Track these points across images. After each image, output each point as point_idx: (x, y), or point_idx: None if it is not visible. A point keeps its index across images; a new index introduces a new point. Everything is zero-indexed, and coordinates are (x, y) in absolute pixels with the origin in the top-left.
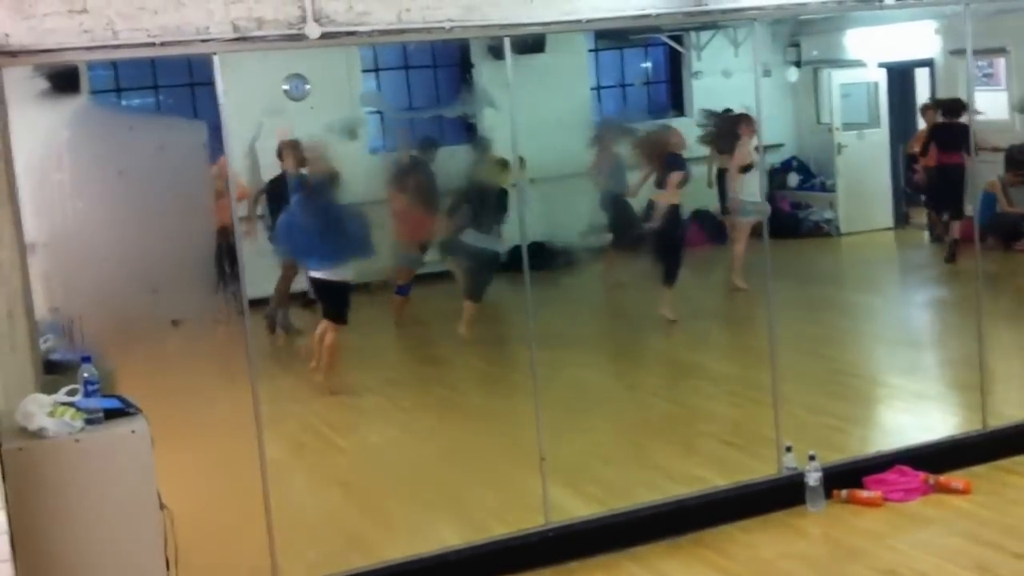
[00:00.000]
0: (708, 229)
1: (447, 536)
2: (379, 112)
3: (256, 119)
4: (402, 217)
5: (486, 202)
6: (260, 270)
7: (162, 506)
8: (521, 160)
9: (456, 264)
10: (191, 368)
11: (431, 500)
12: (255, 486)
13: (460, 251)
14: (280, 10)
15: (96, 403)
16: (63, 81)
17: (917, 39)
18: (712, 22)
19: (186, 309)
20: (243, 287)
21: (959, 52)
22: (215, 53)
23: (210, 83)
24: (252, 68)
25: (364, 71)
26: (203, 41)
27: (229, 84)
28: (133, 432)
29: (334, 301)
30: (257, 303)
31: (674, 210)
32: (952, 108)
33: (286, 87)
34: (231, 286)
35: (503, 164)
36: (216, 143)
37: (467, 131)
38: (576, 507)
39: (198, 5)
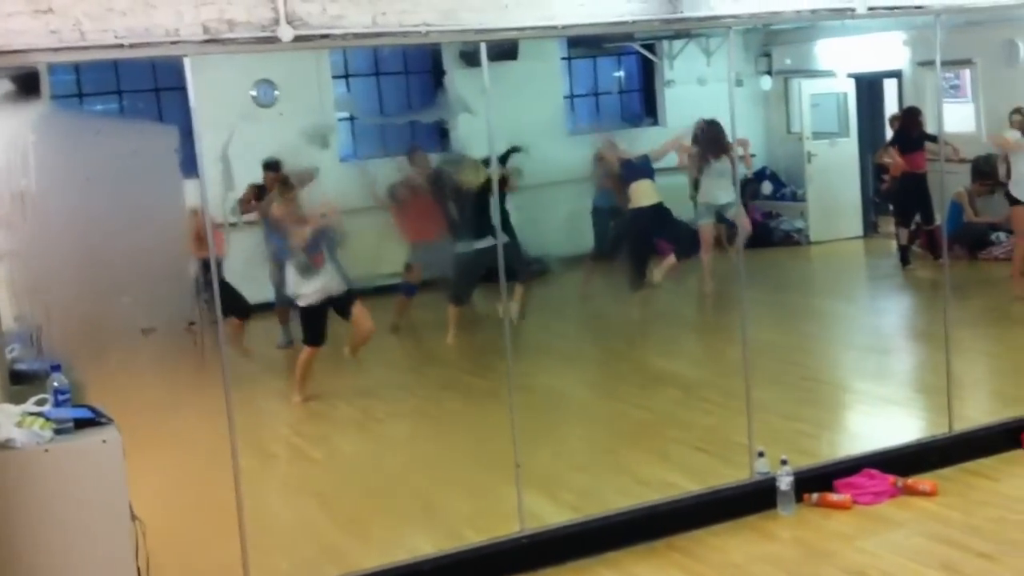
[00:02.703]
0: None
1: (421, 544)
2: (351, 118)
3: (227, 124)
4: (413, 218)
5: (468, 206)
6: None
7: (134, 517)
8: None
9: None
10: (163, 377)
11: (405, 509)
12: (228, 496)
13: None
14: (252, 12)
15: (66, 413)
16: (25, 84)
17: (886, 50)
18: (686, 31)
19: (157, 317)
20: (215, 295)
21: (927, 63)
22: (185, 55)
23: (177, 88)
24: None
25: (335, 77)
26: (173, 43)
27: (199, 88)
28: (104, 442)
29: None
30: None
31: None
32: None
33: (254, 93)
34: (204, 293)
35: (477, 167)
36: (187, 148)
37: (441, 137)
38: (550, 514)
39: (168, 6)
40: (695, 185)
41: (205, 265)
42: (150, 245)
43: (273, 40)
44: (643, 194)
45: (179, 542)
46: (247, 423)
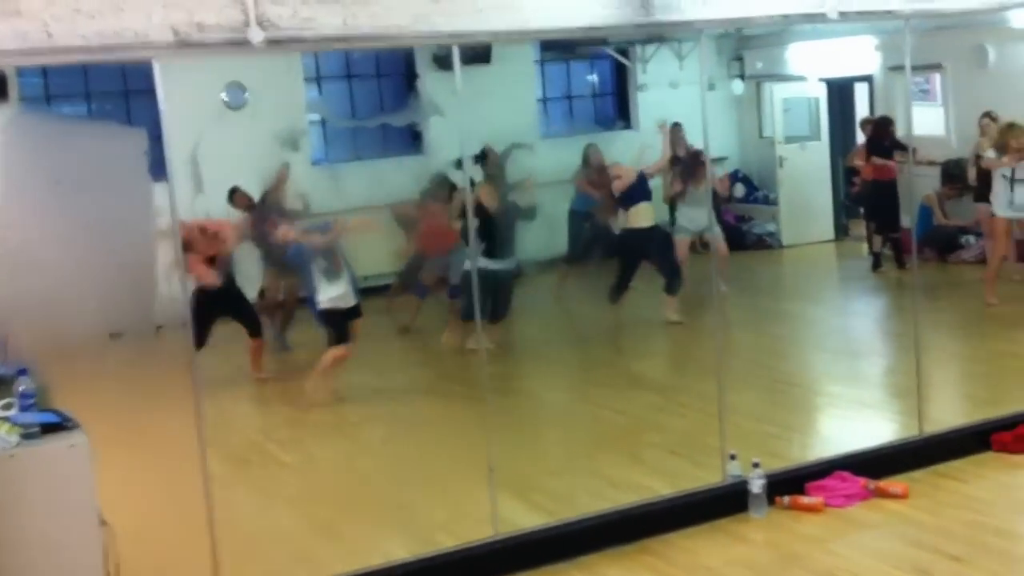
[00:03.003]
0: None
1: (394, 549)
2: (322, 121)
3: (197, 127)
4: (430, 230)
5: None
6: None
7: (102, 522)
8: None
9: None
10: (132, 381)
11: (379, 513)
12: (198, 501)
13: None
14: (222, 15)
15: (33, 418)
16: None
17: (857, 55)
18: (658, 35)
19: (125, 321)
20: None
21: (897, 68)
22: (154, 58)
23: (146, 91)
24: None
25: (306, 80)
26: (142, 46)
27: (169, 91)
28: (72, 447)
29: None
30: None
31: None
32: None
33: (225, 96)
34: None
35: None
36: (156, 151)
37: (413, 140)
38: (524, 518)
39: (137, 9)
40: (672, 206)
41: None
42: (119, 249)
43: (243, 43)
44: (642, 216)
45: (149, 547)
46: (218, 428)
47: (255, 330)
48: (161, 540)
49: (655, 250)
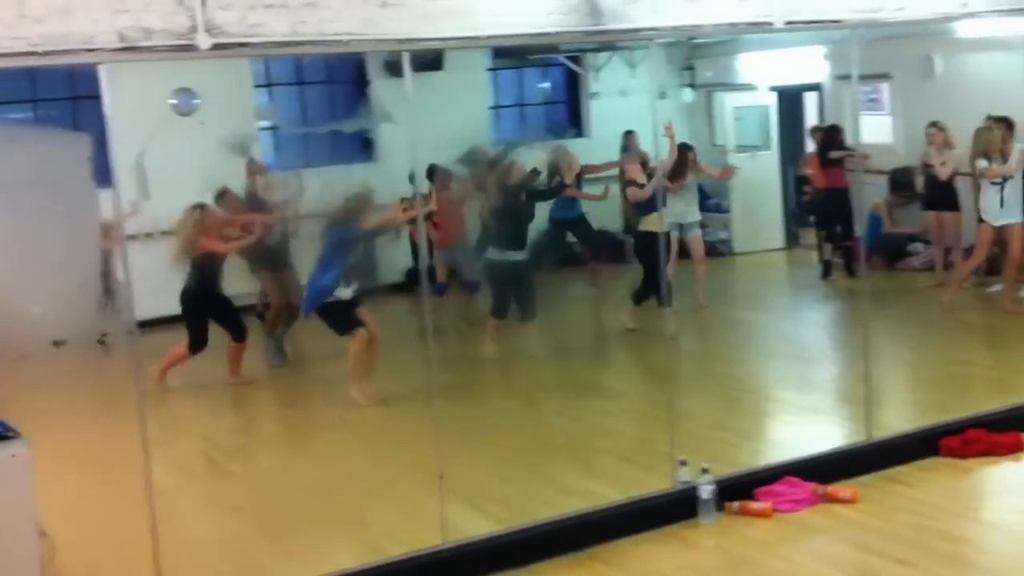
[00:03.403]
0: (610, 249)
1: (342, 559)
2: (273, 128)
3: (144, 132)
4: (440, 221)
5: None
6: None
7: (42, 533)
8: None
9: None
10: (75, 389)
11: (327, 522)
12: (142, 511)
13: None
14: (169, 20)
15: None
16: None
17: (806, 64)
18: (610, 43)
19: (68, 329)
20: (131, 306)
21: (845, 77)
22: (100, 63)
23: (94, 96)
24: (140, 80)
25: (256, 86)
26: (88, 51)
27: (116, 96)
28: (13, 456)
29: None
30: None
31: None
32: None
33: (174, 101)
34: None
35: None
36: (102, 157)
37: (364, 147)
38: (474, 526)
39: (83, 14)
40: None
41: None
42: (62, 255)
43: (191, 48)
44: (655, 221)
45: (91, 559)
46: (164, 436)
47: (239, 335)
48: (103, 550)
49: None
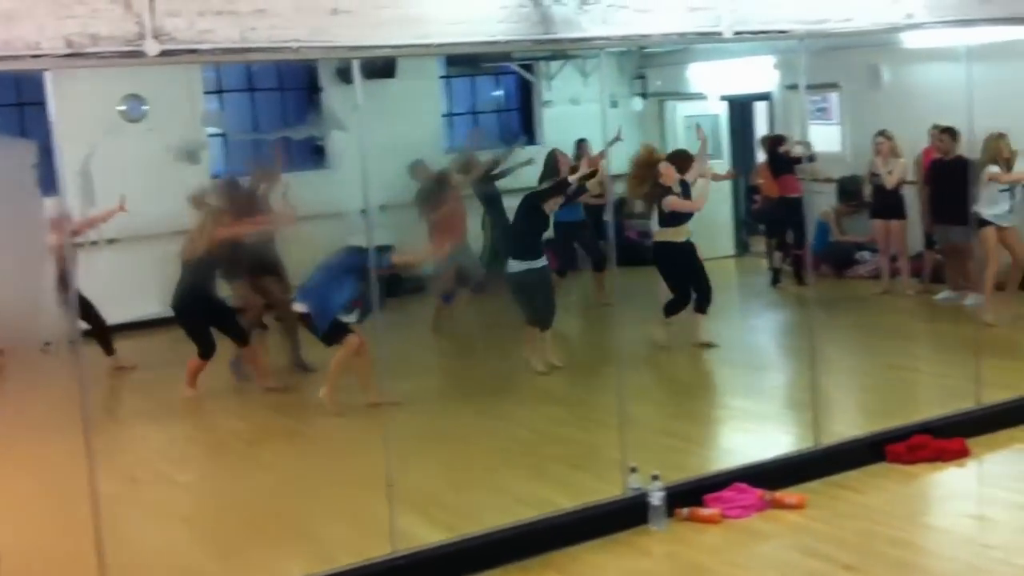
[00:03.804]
0: (561, 257)
1: (291, 569)
2: (222, 134)
3: (92, 139)
4: (442, 224)
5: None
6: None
7: None
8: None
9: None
10: (17, 399)
11: (275, 532)
12: (87, 523)
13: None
14: (117, 26)
15: None
16: None
17: (756, 74)
18: (561, 52)
19: (11, 337)
20: (73, 314)
21: (794, 87)
22: (46, 69)
23: (40, 102)
24: (88, 86)
25: (207, 92)
26: (34, 57)
27: (63, 103)
28: None
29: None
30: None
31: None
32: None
33: (123, 107)
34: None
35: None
36: (47, 164)
37: (315, 154)
38: (425, 534)
39: (29, 19)
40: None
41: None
42: (5, 263)
43: (138, 55)
44: (674, 234)
45: (36, 570)
46: (109, 446)
47: (242, 339)
48: (47, 563)
49: (686, 264)
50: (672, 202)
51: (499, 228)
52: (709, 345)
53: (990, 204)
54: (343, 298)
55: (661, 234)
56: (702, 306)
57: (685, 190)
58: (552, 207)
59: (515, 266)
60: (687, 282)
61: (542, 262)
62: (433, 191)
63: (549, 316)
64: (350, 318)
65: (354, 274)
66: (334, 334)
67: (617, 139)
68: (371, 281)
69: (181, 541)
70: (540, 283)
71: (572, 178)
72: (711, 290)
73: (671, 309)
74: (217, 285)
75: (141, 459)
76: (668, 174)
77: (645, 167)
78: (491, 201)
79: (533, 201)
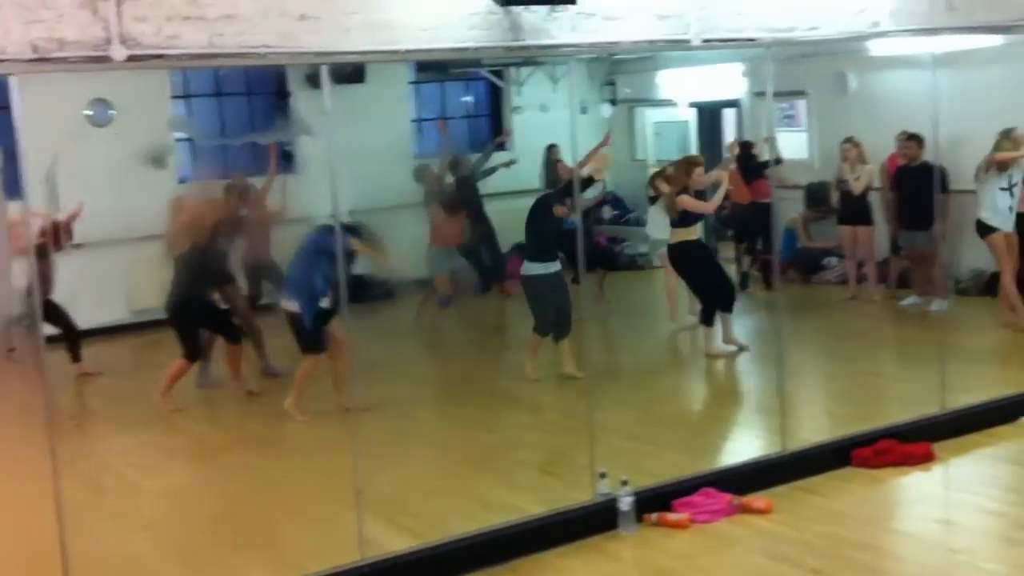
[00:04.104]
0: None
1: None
2: (189, 139)
3: (58, 144)
4: (439, 219)
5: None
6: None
7: None
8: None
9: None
10: None
11: (242, 540)
12: (51, 530)
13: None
14: (83, 31)
15: None
16: None
17: (725, 81)
18: (531, 58)
19: None
20: (38, 319)
21: (762, 94)
22: (12, 74)
23: (4, 107)
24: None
25: (174, 97)
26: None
27: (29, 108)
28: None
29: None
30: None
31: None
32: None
33: (89, 112)
34: (25, 318)
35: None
36: (12, 169)
37: (283, 159)
38: (393, 541)
39: None
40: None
41: None
42: None
43: (105, 60)
44: (687, 234)
45: None
46: (74, 452)
47: (234, 336)
48: (11, 570)
49: (705, 260)
50: (684, 201)
51: (479, 230)
52: (742, 348)
53: (992, 209)
54: (322, 281)
55: (675, 235)
56: (728, 304)
57: (698, 194)
58: (561, 212)
59: (530, 268)
60: (708, 280)
61: (556, 266)
62: (440, 194)
63: (565, 324)
64: (325, 303)
65: (326, 254)
66: (311, 340)
67: (605, 144)
68: (339, 263)
69: (147, 549)
70: (555, 287)
71: (587, 170)
72: (734, 287)
73: (707, 316)
74: (210, 286)
75: (106, 465)
76: (698, 178)
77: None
78: (473, 203)
79: (545, 202)
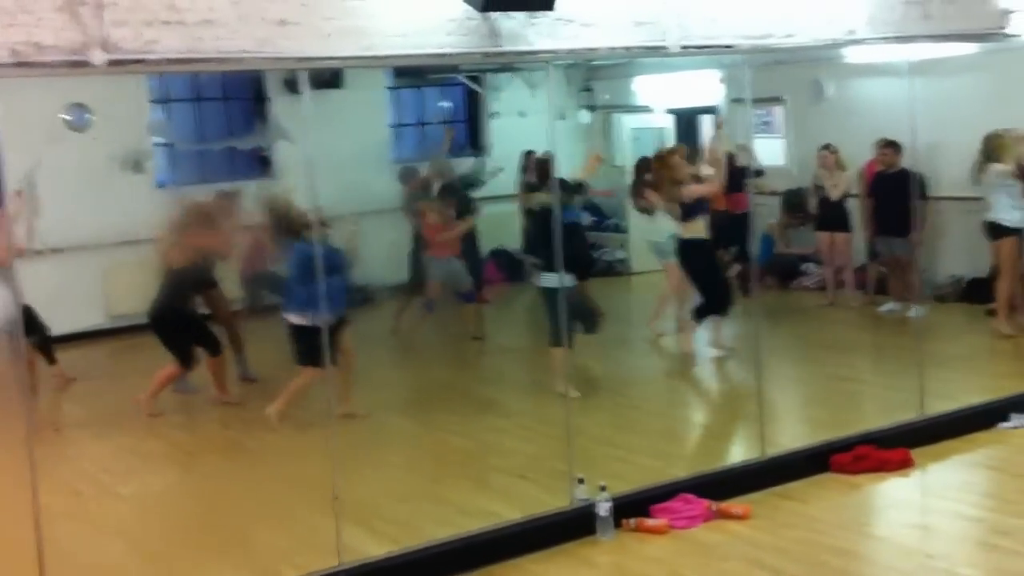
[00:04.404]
0: (505, 267)
1: None
2: (167, 144)
3: (36, 148)
4: (435, 228)
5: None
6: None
7: None
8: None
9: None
10: None
11: (218, 545)
12: (28, 536)
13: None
14: (62, 35)
15: None
16: None
17: (702, 87)
18: (509, 64)
19: None
20: (20, 323)
21: (740, 101)
22: None
23: None
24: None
25: (152, 102)
26: None
27: (7, 112)
28: None
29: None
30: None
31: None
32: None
33: (66, 116)
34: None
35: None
36: None
37: (261, 164)
38: (370, 546)
39: None
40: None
41: None
42: None
43: (84, 64)
44: (698, 229)
45: None
46: (50, 458)
47: (214, 349)
48: None
49: (711, 262)
50: (693, 189)
51: (469, 240)
52: (728, 351)
53: (1008, 209)
54: (335, 290)
55: (687, 229)
56: (725, 309)
57: (695, 205)
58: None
59: (548, 281)
60: (714, 280)
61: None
62: (423, 199)
63: (592, 322)
64: (337, 313)
65: (331, 262)
66: (310, 353)
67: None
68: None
69: (123, 555)
70: (572, 299)
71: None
72: (731, 292)
73: (700, 314)
74: (193, 296)
75: (83, 471)
76: (680, 166)
77: (663, 168)
78: (468, 212)
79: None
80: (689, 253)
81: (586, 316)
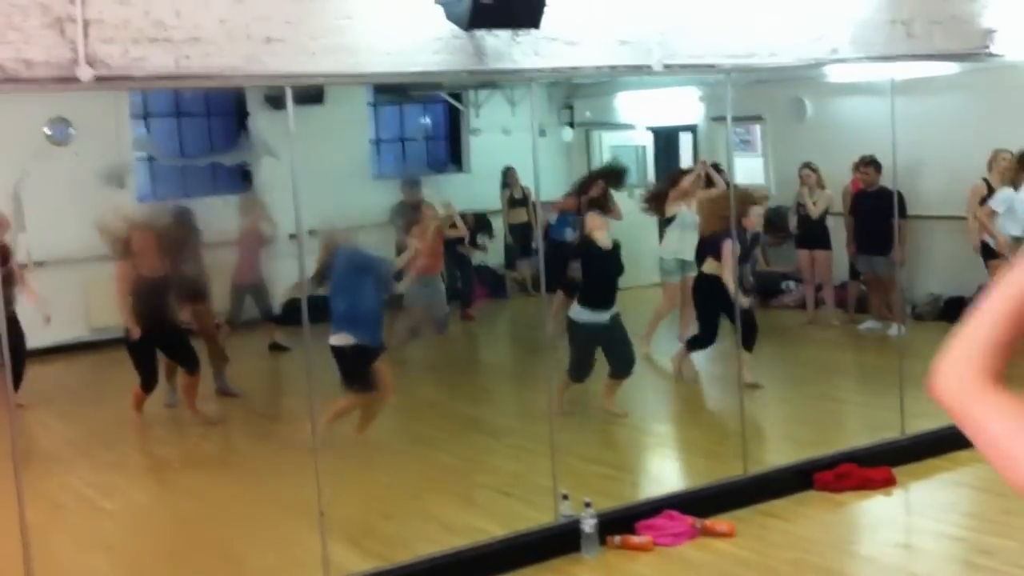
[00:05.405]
0: (489, 284)
1: None
2: (149, 158)
3: (20, 163)
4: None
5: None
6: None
7: None
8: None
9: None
10: None
11: (203, 561)
12: (15, 553)
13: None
14: (50, 52)
15: None
16: None
17: (682, 105)
18: (491, 82)
19: None
20: (3, 336)
21: (720, 119)
22: None
23: None
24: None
25: (133, 117)
26: None
27: None
28: None
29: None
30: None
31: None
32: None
33: (48, 131)
34: None
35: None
36: None
37: (243, 179)
38: (356, 563)
39: None
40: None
41: None
42: None
43: (72, 80)
44: (716, 266)
45: None
46: (34, 473)
47: (192, 366)
48: None
49: (722, 303)
50: (752, 221)
51: (453, 262)
52: (755, 386)
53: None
54: (378, 302)
55: (709, 265)
56: (750, 341)
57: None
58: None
59: (579, 314)
60: (718, 318)
61: (610, 313)
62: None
63: (624, 365)
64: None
65: (371, 276)
66: (359, 377)
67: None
68: None
69: (109, 571)
70: (604, 336)
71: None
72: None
73: (694, 346)
74: (172, 310)
75: (67, 486)
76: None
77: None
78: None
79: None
80: (704, 288)
81: (620, 359)
